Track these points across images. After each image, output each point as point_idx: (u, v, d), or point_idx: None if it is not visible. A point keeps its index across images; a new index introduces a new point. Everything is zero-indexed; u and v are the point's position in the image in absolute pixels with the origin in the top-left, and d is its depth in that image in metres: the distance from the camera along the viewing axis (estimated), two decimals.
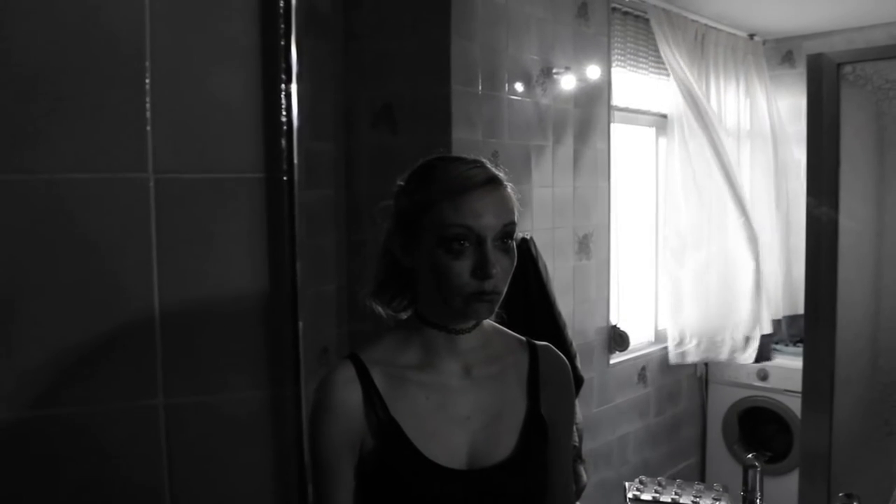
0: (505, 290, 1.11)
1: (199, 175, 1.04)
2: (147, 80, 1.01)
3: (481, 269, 1.07)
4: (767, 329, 3.75)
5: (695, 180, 3.61)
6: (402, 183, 1.15)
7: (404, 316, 1.21)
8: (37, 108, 0.99)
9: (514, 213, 1.11)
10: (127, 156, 1.01)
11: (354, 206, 2.68)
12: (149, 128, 1.02)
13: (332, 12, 2.64)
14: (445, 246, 1.07)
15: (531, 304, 2.31)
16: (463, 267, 1.07)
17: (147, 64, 1.01)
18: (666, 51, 3.40)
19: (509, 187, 1.12)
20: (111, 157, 1.01)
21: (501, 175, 1.12)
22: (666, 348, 3.75)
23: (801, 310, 3.86)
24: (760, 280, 3.64)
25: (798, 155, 4.00)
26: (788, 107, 4.12)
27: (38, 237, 1.00)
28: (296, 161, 1.06)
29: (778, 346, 3.95)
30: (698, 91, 3.55)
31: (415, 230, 1.10)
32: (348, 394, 1.12)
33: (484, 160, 1.14)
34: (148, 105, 1.01)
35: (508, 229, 1.09)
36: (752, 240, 3.62)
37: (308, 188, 2.47)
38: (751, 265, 3.62)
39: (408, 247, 1.13)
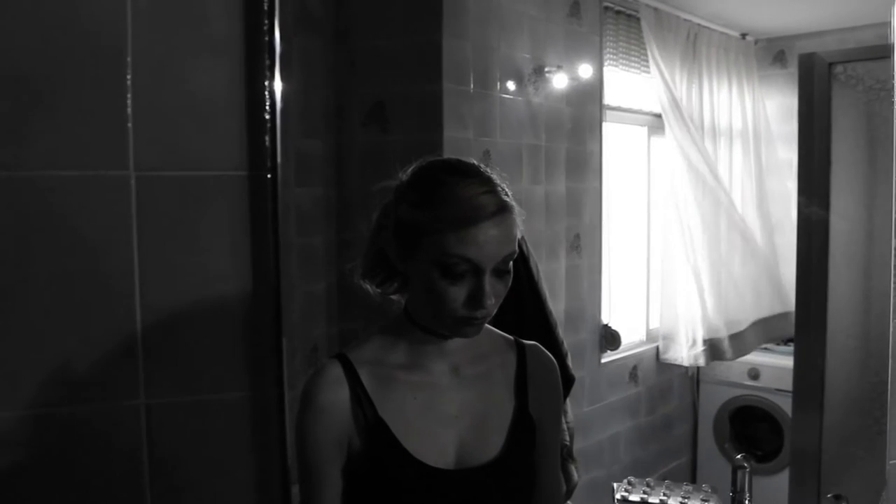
0: (495, 311, 1.09)
1: (181, 172, 1.03)
2: (128, 77, 1.00)
3: (476, 300, 1.05)
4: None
5: (684, 180, 3.62)
6: (404, 179, 1.11)
7: (395, 297, 1.19)
8: (17, 104, 0.98)
9: (516, 242, 1.07)
10: (108, 153, 1.00)
11: (345, 205, 2.67)
12: (130, 124, 1.01)
13: (323, 9, 2.63)
14: (442, 269, 1.04)
15: (522, 304, 2.30)
16: (458, 293, 1.05)
17: (128, 60, 1.00)
18: (653, 50, 3.39)
19: (516, 210, 1.08)
20: (92, 155, 1.00)
21: (510, 200, 1.07)
22: (657, 347, 3.77)
23: (788, 309, 3.90)
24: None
25: (784, 155, 4.02)
26: (779, 106, 4.13)
27: (18, 235, 0.99)
28: (279, 158, 1.05)
29: (768, 346, 3.96)
30: (680, 92, 3.56)
31: (412, 243, 1.08)
32: (336, 393, 1.11)
33: (495, 179, 1.09)
34: (129, 101, 1.00)
35: (509, 258, 1.07)
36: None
37: (298, 186, 2.46)
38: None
39: (402, 255, 1.11)
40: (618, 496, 1.91)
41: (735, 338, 3.80)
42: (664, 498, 1.90)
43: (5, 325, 1.00)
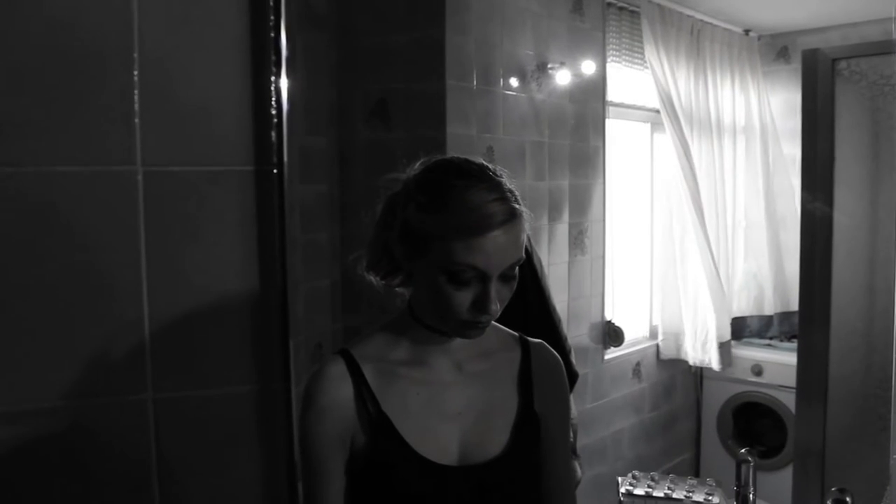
0: (499, 313, 1.08)
1: (187, 168, 1.04)
2: (135, 72, 1.00)
3: (481, 305, 1.05)
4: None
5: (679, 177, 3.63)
6: (413, 177, 1.10)
7: (400, 290, 1.18)
8: (23, 99, 0.98)
9: (523, 248, 1.06)
10: (115, 148, 1.00)
11: (349, 201, 2.68)
12: (137, 120, 1.01)
13: (327, 7, 2.63)
14: (449, 275, 1.04)
15: (526, 300, 2.30)
16: (463, 298, 1.05)
17: (135, 55, 1.00)
18: (651, 46, 3.39)
19: (524, 216, 1.07)
20: (99, 150, 1.00)
21: (519, 207, 1.06)
22: (658, 344, 3.78)
23: (792, 306, 3.90)
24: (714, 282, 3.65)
25: (789, 150, 4.01)
26: (783, 102, 4.13)
27: (25, 230, 1.00)
28: (286, 154, 1.06)
29: (772, 342, 3.97)
30: (686, 88, 3.56)
31: (419, 247, 1.07)
32: (339, 390, 1.11)
33: (504, 184, 1.07)
34: (136, 97, 1.01)
35: (516, 264, 1.06)
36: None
37: (302, 183, 2.46)
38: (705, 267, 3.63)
39: (408, 255, 1.10)
40: (622, 490, 1.92)
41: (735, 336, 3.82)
42: (668, 492, 1.90)
43: (14, 320, 1.01)
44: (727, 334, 3.70)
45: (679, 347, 3.74)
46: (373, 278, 1.17)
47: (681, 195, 3.56)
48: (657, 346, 3.78)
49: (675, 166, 3.53)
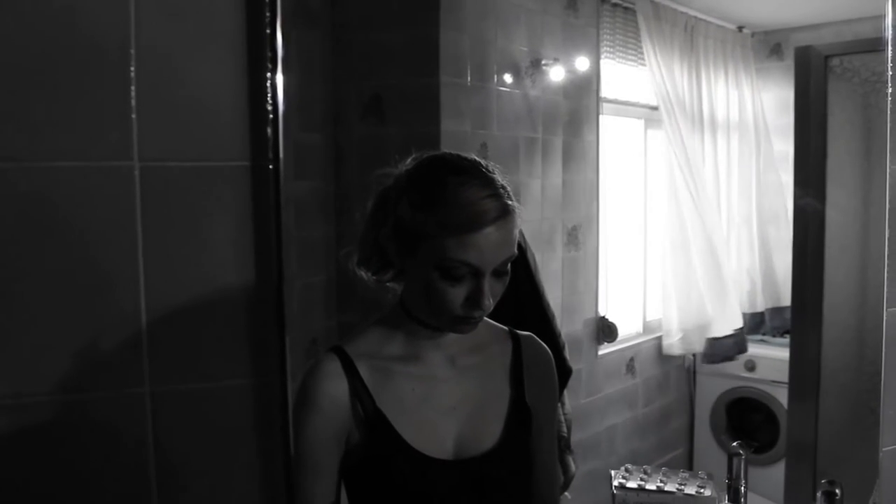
0: (492, 308, 1.09)
1: (184, 163, 1.04)
2: (132, 68, 1.01)
3: (475, 300, 1.05)
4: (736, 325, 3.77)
5: (677, 173, 3.64)
6: (405, 173, 1.11)
7: (390, 285, 1.19)
8: (21, 95, 0.99)
9: (516, 244, 1.07)
10: (112, 144, 1.01)
11: (343, 198, 2.68)
12: (134, 115, 1.02)
13: (321, 2, 2.63)
14: (442, 271, 1.04)
15: (520, 296, 2.30)
16: (457, 294, 1.05)
17: (132, 52, 1.01)
18: (649, 43, 3.40)
19: (517, 212, 1.07)
20: (96, 145, 1.01)
21: (512, 203, 1.07)
22: (656, 339, 3.79)
23: (783, 302, 3.92)
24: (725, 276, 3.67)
25: (781, 147, 4.02)
26: (776, 99, 4.14)
27: (23, 225, 1.00)
28: (281, 149, 1.06)
29: (764, 338, 3.98)
30: (681, 84, 3.57)
31: (413, 245, 1.07)
32: (334, 387, 1.12)
33: (497, 180, 1.07)
34: (133, 93, 1.01)
35: (509, 260, 1.07)
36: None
37: (296, 179, 2.46)
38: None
39: (401, 252, 1.10)
40: (615, 483, 1.93)
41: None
42: (661, 485, 1.91)
43: (12, 315, 1.01)
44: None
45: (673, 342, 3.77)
46: (364, 274, 1.18)
47: (677, 190, 3.58)
48: (658, 341, 3.81)
49: (673, 162, 3.54)
